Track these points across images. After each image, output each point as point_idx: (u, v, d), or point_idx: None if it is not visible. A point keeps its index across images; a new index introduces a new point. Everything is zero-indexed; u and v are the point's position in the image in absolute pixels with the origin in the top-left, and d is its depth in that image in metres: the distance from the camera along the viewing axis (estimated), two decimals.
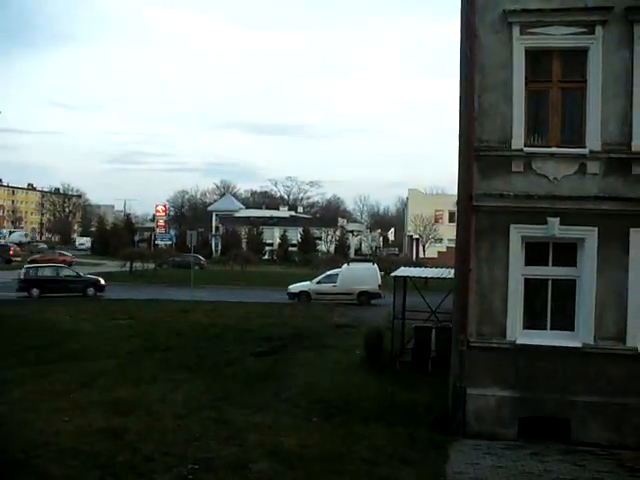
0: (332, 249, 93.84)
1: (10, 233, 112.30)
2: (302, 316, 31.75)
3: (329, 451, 11.86)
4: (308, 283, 41.46)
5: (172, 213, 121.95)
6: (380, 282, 39.82)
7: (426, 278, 23.45)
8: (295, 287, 41.03)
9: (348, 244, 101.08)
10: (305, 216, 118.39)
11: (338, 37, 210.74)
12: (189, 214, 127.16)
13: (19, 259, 73.20)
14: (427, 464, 11.41)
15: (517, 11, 12.84)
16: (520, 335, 13.03)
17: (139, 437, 12.33)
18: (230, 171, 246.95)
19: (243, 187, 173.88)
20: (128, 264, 58.75)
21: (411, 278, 22.25)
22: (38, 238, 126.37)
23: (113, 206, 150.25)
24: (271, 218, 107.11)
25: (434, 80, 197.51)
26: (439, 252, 79.50)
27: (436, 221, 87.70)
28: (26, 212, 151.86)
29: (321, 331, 26.73)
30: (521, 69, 12.92)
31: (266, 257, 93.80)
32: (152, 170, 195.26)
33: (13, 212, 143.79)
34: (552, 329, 13.10)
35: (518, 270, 13.03)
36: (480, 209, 13.08)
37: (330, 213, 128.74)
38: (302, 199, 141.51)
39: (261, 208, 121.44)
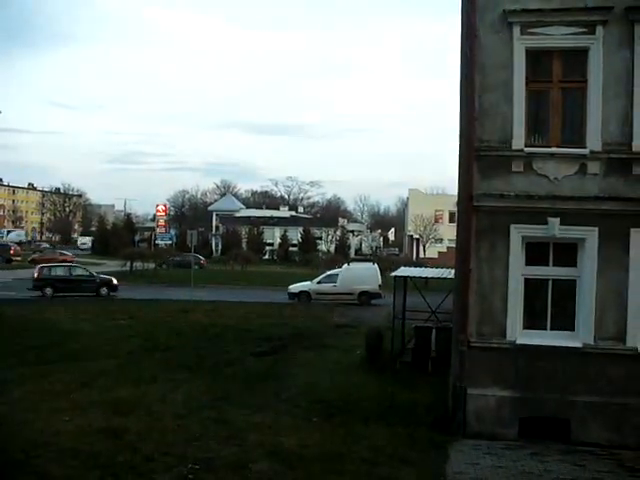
0: (332, 249, 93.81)
1: (8, 233, 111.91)
2: (302, 316, 31.76)
3: (329, 451, 11.85)
4: (308, 283, 41.47)
5: (172, 213, 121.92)
6: (380, 282, 39.83)
7: (426, 278, 23.48)
8: (295, 287, 41.04)
9: (348, 244, 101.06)
10: (305, 216, 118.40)
11: (338, 37, 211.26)
12: (189, 214, 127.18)
13: (19, 259, 73.25)
14: (427, 464, 11.41)
15: (517, 11, 12.83)
16: (520, 335, 13.02)
17: (139, 437, 12.32)
18: (230, 171, 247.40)
19: (243, 187, 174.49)
20: (128, 264, 58.76)
21: (411, 278, 22.26)
22: (38, 238, 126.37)
23: (113, 206, 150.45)
24: (271, 218, 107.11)
25: (434, 80, 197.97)
26: (439, 252, 79.49)
27: (436, 221, 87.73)
28: (27, 212, 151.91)
29: (321, 331, 26.74)
30: (521, 69, 12.91)
31: (266, 257, 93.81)
32: (152, 170, 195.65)
33: (14, 212, 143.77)
34: (552, 329, 13.09)
35: (518, 270, 13.03)
36: (480, 209, 13.07)
37: (330, 213, 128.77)
38: (302, 199, 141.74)
39: (261, 208, 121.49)
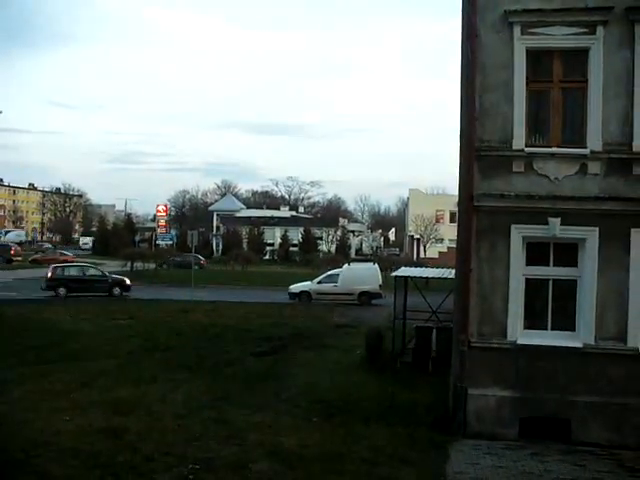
0: (333, 249, 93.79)
1: (6, 233, 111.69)
2: (302, 316, 31.76)
3: (329, 451, 11.85)
4: (309, 283, 41.48)
5: (173, 213, 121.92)
6: (381, 282, 39.84)
7: (427, 278, 23.48)
8: (296, 287, 41.05)
9: (349, 244, 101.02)
10: (306, 216, 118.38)
11: (338, 37, 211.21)
12: (190, 214, 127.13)
13: (20, 259, 73.25)
14: (427, 464, 11.40)
15: (518, 11, 12.83)
16: (521, 335, 13.02)
17: (139, 437, 12.32)
18: (230, 171, 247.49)
19: (244, 187, 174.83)
20: (129, 264, 58.80)
21: (412, 278, 22.26)
22: (39, 238, 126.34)
23: (114, 206, 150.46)
24: (272, 218, 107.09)
25: (434, 80, 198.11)
26: (440, 252, 79.39)
27: (437, 221, 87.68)
28: (27, 212, 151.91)
29: (321, 331, 26.74)
30: (522, 69, 12.91)
31: (267, 257, 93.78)
32: (152, 170, 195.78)
33: (14, 212, 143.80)
34: (553, 329, 13.09)
35: (519, 270, 13.02)
36: (481, 209, 13.07)
37: (331, 213, 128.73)
38: (303, 199, 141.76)
39: (262, 208, 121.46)
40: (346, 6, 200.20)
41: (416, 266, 33.41)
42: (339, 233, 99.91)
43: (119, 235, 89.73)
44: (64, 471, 10.58)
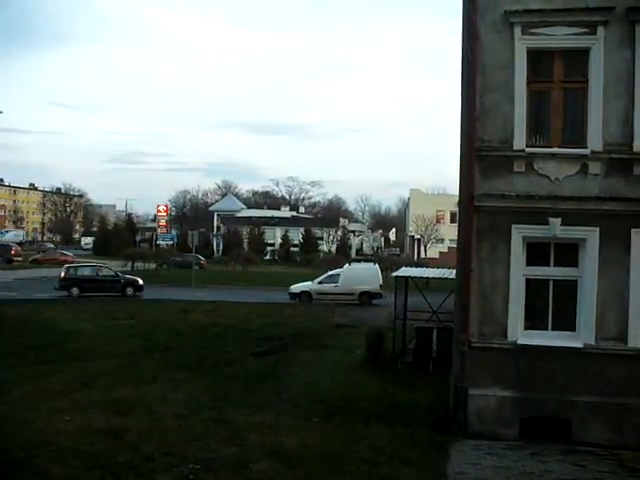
0: (334, 249, 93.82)
1: (4, 233, 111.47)
2: (303, 316, 31.76)
3: (329, 451, 11.84)
4: (309, 283, 41.51)
5: (173, 213, 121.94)
6: (381, 282, 39.85)
7: (427, 278, 23.48)
8: (296, 287, 41.07)
9: (349, 244, 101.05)
10: (306, 216, 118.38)
11: (338, 37, 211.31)
12: (190, 214, 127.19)
13: (20, 259, 73.25)
14: (428, 464, 11.40)
15: (519, 11, 12.82)
16: (521, 335, 13.01)
17: (140, 437, 12.32)
18: (230, 171, 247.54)
19: (244, 187, 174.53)
20: (129, 264, 58.83)
21: (412, 278, 22.25)
22: (40, 238, 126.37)
23: (115, 206, 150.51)
24: (272, 218, 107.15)
25: (434, 80, 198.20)
26: (440, 252, 79.50)
27: (437, 221, 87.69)
28: (28, 212, 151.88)
29: (322, 331, 26.73)
30: (523, 69, 12.90)
31: (267, 257, 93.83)
32: (152, 170, 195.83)
33: (15, 212, 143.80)
34: (553, 329, 13.08)
35: (519, 270, 13.02)
36: (481, 209, 13.06)
37: (331, 213, 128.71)
38: (303, 199, 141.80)
39: (262, 208, 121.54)
40: (346, 6, 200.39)
41: (417, 266, 33.38)
42: (340, 233, 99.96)
43: (120, 235, 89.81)
44: (64, 471, 10.57)
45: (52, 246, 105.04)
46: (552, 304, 13.09)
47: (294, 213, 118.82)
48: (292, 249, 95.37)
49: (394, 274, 23.52)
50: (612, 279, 12.67)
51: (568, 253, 13.07)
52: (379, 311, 31.09)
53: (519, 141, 12.92)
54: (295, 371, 18.55)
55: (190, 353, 21.03)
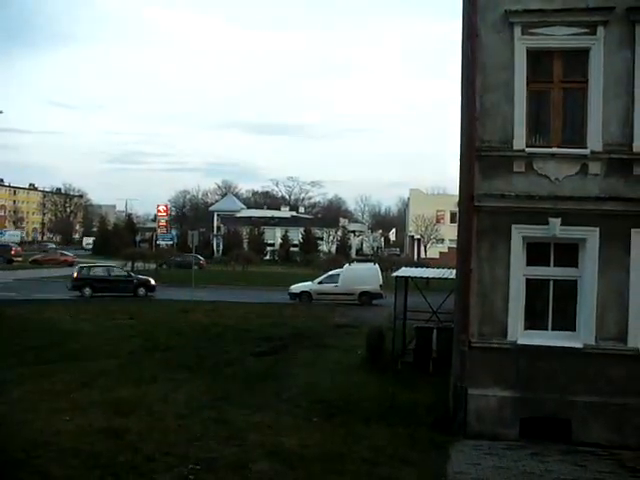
0: (333, 249, 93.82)
1: (4, 233, 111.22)
2: (303, 316, 31.76)
3: (330, 451, 11.85)
4: (309, 283, 41.53)
5: (173, 213, 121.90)
6: (381, 282, 39.85)
7: (427, 278, 23.47)
8: (296, 287, 41.07)
9: (349, 244, 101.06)
10: (306, 216, 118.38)
11: (338, 37, 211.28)
12: (190, 214, 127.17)
13: (20, 259, 73.23)
14: (428, 464, 11.40)
15: (519, 11, 12.82)
16: (521, 335, 13.01)
17: (140, 437, 12.32)
18: (230, 171, 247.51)
19: (244, 187, 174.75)
20: (129, 264, 58.81)
21: (412, 278, 22.25)
22: (40, 238, 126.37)
23: (115, 206, 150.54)
24: (272, 218, 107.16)
25: (434, 80, 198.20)
26: (440, 252, 79.54)
27: (437, 221, 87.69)
28: (28, 212, 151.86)
29: (322, 331, 26.73)
30: (522, 69, 12.90)
31: (267, 257, 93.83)
32: (152, 170, 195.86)
33: (15, 212, 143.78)
34: (553, 329, 13.08)
35: (519, 270, 13.02)
36: (481, 209, 13.06)
37: (331, 213, 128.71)
38: (303, 199, 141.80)
39: (262, 208, 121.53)
40: (346, 6, 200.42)
41: (417, 266, 33.42)
42: (339, 233, 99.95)
43: (120, 235, 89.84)
44: (64, 471, 10.57)
45: (54, 246, 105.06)
46: (552, 304, 13.09)
47: (294, 213, 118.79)
48: (292, 249, 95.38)
49: (394, 274, 23.52)
50: (612, 279, 12.68)
51: (568, 253, 13.07)
52: (379, 311, 31.08)
53: (519, 141, 12.93)
54: (295, 371, 18.55)
55: (190, 353, 21.04)
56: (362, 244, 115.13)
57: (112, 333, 24.99)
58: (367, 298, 39.40)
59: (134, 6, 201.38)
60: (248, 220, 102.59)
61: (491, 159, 13.09)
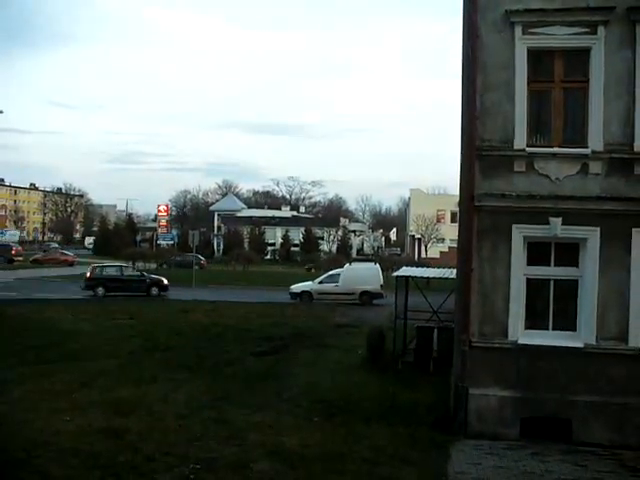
0: (334, 249, 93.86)
1: (4, 233, 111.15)
2: (304, 316, 31.73)
3: (330, 451, 11.83)
4: (310, 283, 41.53)
5: (174, 213, 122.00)
6: (382, 282, 39.81)
7: (428, 278, 23.44)
8: (297, 287, 41.05)
9: (350, 244, 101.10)
10: (307, 216, 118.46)
11: (338, 37, 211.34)
12: (191, 214, 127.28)
13: (21, 259, 73.25)
14: (428, 464, 11.39)
15: (519, 11, 12.81)
16: (522, 335, 13.00)
17: (140, 437, 12.31)
18: (231, 171, 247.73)
19: (245, 187, 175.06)
20: (130, 264, 58.81)
21: (413, 278, 22.23)
22: (40, 238, 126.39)
23: (115, 206, 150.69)
24: (273, 218, 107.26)
25: (434, 80, 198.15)
26: (441, 252, 79.60)
27: (438, 221, 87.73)
28: (28, 212, 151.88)
29: (322, 331, 26.70)
30: (523, 69, 12.89)
31: (268, 257, 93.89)
32: (152, 170, 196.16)
33: (15, 212, 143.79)
34: (554, 329, 13.07)
35: (520, 270, 13.00)
36: (482, 209, 13.05)
37: (332, 213, 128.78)
38: (304, 199, 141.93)
39: (263, 208, 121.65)
40: (346, 6, 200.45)
41: (417, 266, 33.37)
42: (340, 233, 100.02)
43: (120, 235, 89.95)
44: (64, 471, 10.56)
45: (57, 246, 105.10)
46: (553, 304, 13.08)
47: (295, 213, 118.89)
48: (293, 249, 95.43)
49: (395, 274, 23.50)
50: (613, 279, 12.66)
51: (569, 253, 13.06)
52: (380, 311, 31.05)
53: (520, 141, 12.91)
54: (296, 371, 18.54)
55: (190, 353, 21.02)
56: (363, 244, 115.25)
57: (112, 333, 24.96)
58: (368, 298, 39.36)
59: (134, 6, 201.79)
60: (249, 220, 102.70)
61: (492, 159, 13.08)
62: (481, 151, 13.04)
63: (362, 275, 40.61)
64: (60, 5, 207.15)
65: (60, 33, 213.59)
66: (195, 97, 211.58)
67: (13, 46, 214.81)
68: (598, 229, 12.66)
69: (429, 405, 14.62)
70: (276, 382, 17.18)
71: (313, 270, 66.89)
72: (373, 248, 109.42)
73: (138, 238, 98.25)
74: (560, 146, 12.94)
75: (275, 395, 15.78)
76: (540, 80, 13.11)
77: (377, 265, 43.55)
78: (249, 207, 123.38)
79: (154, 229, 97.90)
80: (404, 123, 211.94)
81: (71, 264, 71.10)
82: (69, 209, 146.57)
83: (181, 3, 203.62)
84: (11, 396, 15.06)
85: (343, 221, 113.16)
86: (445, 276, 20.64)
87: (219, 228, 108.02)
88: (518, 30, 12.87)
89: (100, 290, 40.24)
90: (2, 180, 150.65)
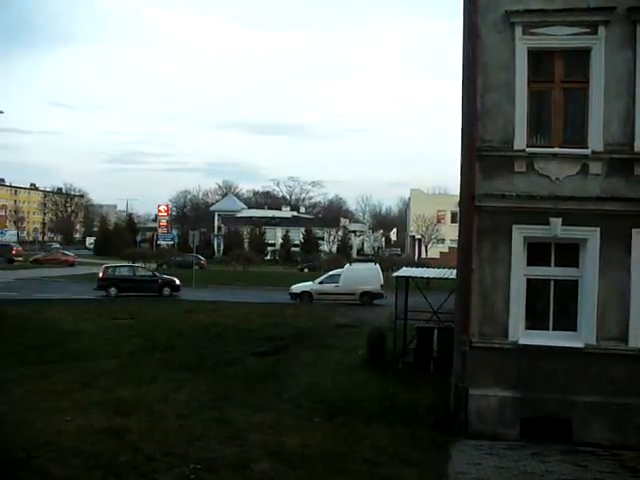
0: (334, 249, 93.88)
1: (5, 233, 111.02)
2: (304, 316, 31.73)
3: (331, 451, 11.84)
4: (310, 283, 41.53)
5: (174, 213, 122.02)
6: (382, 282, 39.80)
7: (428, 278, 23.44)
8: (297, 287, 41.05)
9: (350, 244, 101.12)
10: (307, 216, 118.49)
11: (338, 37, 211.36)
12: (191, 214, 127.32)
13: (21, 259, 73.27)
14: (429, 464, 11.39)
15: (519, 11, 12.81)
16: (522, 335, 13.01)
17: (141, 437, 12.32)
18: (231, 171, 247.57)
19: (245, 187, 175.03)
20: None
21: (413, 278, 22.23)
22: (40, 238, 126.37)
23: (115, 206, 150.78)
24: (273, 218, 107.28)
25: (434, 80, 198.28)
26: (441, 252, 79.62)
27: (438, 221, 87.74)
28: (28, 212, 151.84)
29: (323, 331, 26.71)
30: (523, 69, 12.89)
31: (268, 257, 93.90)
32: (152, 170, 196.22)
33: (15, 212, 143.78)
34: (554, 329, 13.07)
35: (520, 270, 13.01)
36: (482, 209, 13.05)
37: (332, 213, 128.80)
38: (304, 199, 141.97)
39: (263, 208, 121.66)
40: (346, 6, 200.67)
41: (417, 266, 33.39)
42: (340, 233, 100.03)
43: (120, 235, 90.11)
44: (65, 471, 10.57)
45: (58, 246, 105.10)
46: (553, 304, 13.08)
47: (295, 213, 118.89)
48: (293, 249, 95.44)
49: (395, 274, 23.50)
50: (613, 279, 12.67)
51: (569, 253, 13.06)
52: (380, 311, 31.05)
53: (520, 141, 12.92)
54: (296, 371, 18.54)
55: (191, 353, 21.02)
56: (363, 244, 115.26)
57: (113, 333, 24.98)
58: (368, 298, 39.35)
59: (134, 6, 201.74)
60: (249, 220, 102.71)
61: (492, 159, 13.08)
62: (481, 151, 13.04)
63: (362, 275, 40.60)
64: (60, 5, 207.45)
65: (60, 33, 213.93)
66: (195, 97, 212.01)
67: (13, 46, 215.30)
68: (598, 229, 12.67)
69: (429, 405, 14.62)
70: (277, 382, 17.18)
71: (306, 270, 67.16)
72: (373, 248, 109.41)
73: (138, 238, 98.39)
74: (560, 146, 12.94)
75: (276, 395, 15.79)
76: (540, 80, 13.12)
77: (377, 265, 43.52)
78: (249, 207, 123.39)
79: (154, 229, 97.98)
80: (404, 123, 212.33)
81: (72, 264, 71.15)
82: (69, 209, 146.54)
83: (181, 3, 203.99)
84: (12, 396, 15.06)
85: (343, 221, 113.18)
86: (445, 276, 20.65)
87: (219, 228, 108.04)
88: (518, 30, 12.87)
89: (113, 290, 40.25)
90: (2, 180, 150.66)
